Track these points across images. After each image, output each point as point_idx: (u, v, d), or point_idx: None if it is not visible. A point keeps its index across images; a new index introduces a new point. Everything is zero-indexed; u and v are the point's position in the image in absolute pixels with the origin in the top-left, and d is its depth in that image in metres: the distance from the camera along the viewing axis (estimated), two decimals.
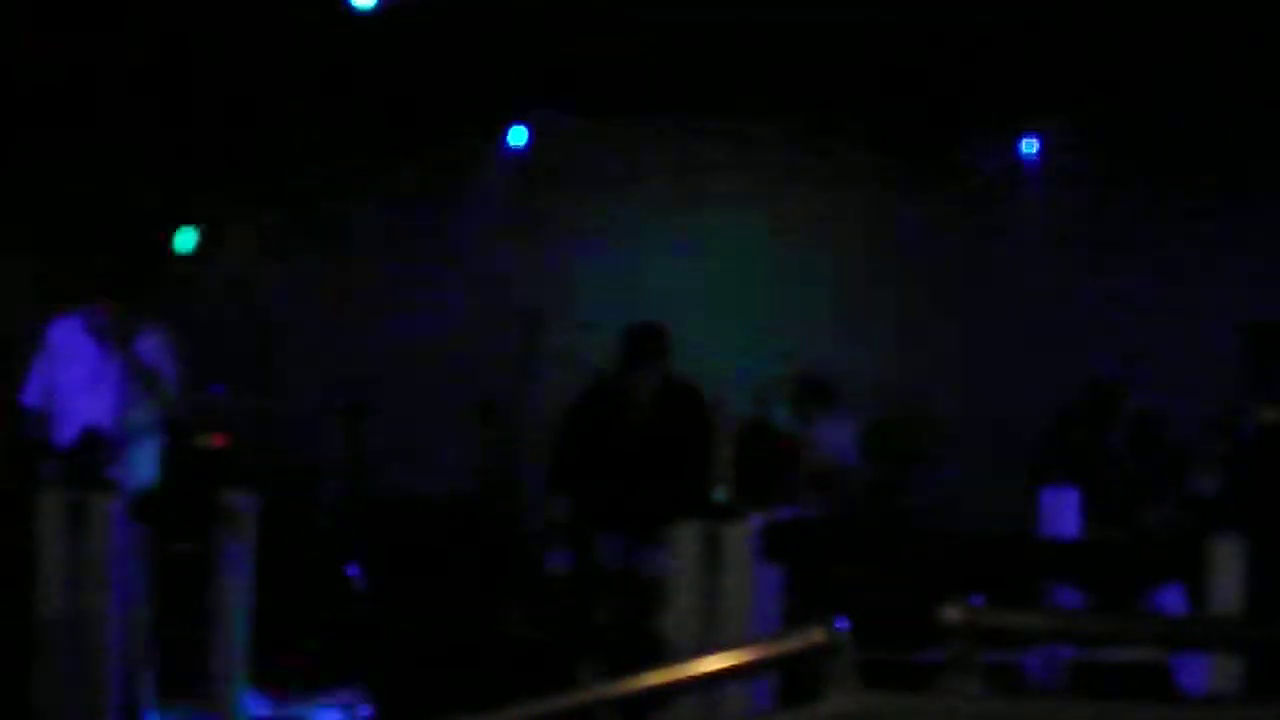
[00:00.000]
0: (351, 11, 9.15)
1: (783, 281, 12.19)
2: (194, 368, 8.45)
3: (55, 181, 11.82)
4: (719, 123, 12.18)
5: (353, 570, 11.31)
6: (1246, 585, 5.76)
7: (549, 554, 8.06)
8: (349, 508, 11.81)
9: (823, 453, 10.59)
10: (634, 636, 7.94)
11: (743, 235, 12.37)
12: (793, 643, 3.42)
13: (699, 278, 12.25)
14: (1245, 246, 11.58)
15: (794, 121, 12.05)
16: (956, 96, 11.47)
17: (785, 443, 10.47)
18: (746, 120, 12.11)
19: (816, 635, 3.35)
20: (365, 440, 11.88)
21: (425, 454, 11.95)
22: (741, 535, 6.19)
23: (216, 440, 11.31)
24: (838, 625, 3.39)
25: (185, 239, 12.07)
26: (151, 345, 8.05)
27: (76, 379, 7.96)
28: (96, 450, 7.74)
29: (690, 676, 3.62)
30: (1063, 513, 8.51)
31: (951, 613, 3.36)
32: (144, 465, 8.04)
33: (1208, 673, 6.08)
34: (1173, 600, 7.60)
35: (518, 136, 12.35)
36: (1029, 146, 11.82)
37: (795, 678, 3.61)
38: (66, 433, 7.90)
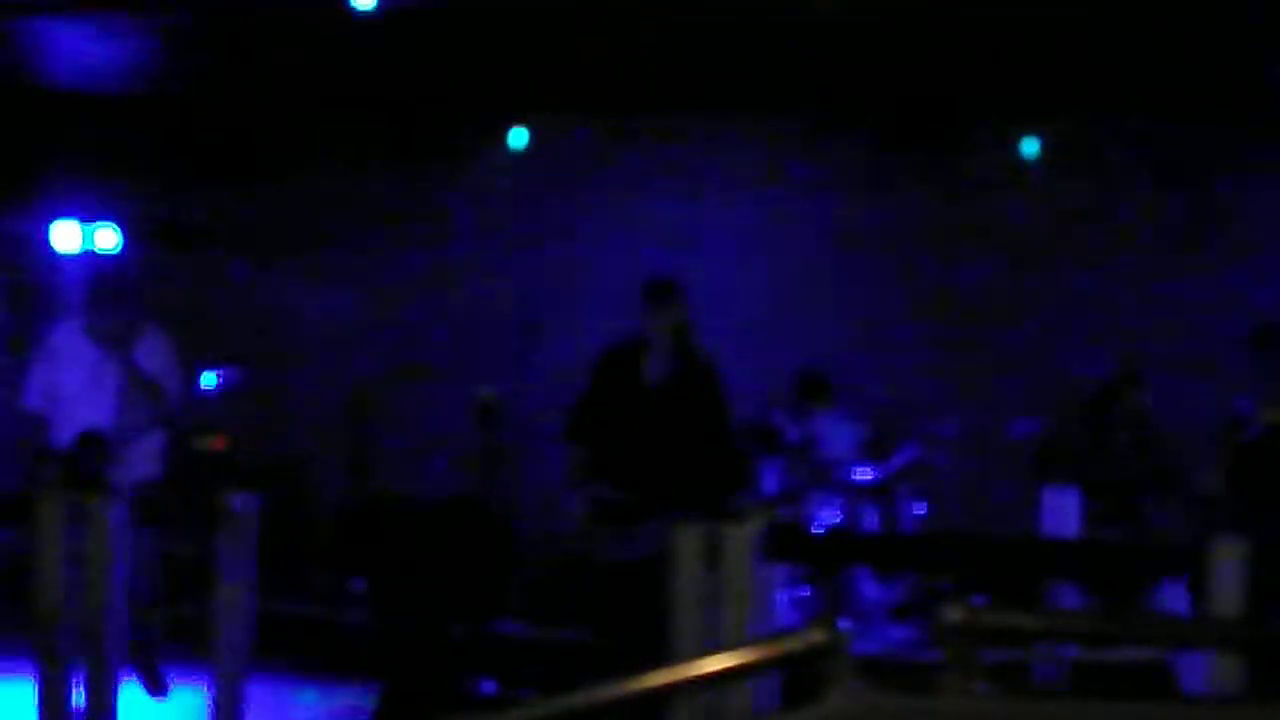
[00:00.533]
0: (351, 13, 9.14)
1: (783, 282, 12.19)
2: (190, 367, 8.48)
3: None
4: (720, 123, 12.18)
5: (352, 571, 11.32)
6: (1248, 585, 5.75)
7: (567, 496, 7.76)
8: (349, 509, 11.82)
9: (825, 451, 10.61)
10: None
11: (743, 236, 12.37)
12: (793, 643, 3.42)
13: (699, 278, 12.24)
14: (1247, 247, 11.59)
15: (795, 121, 12.05)
16: (957, 96, 11.47)
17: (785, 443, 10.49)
18: (747, 120, 12.12)
19: (817, 635, 3.35)
20: (365, 441, 11.90)
21: (424, 455, 11.96)
22: (743, 535, 6.18)
23: (216, 442, 11.33)
24: (839, 625, 3.38)
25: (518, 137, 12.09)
26: (153, 348, 8.07)
27: (76, 382, 7.97)
28: (95, 452, 7.76)
29: (692, 677, 3.62)
30: (1064, 512, 8.51)
31: (952, 613, 3.35)
32: (144, 465, 8.05)
33: (1209, 672, 6.07)
34: (1174, 600, 7.60)
35: (518, 138, 12.35)
36: (1030, 146, 11.82)
37: (800, 677, 3.61)
38: (65, 435, 7.91)
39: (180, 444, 8.47)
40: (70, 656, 6.96)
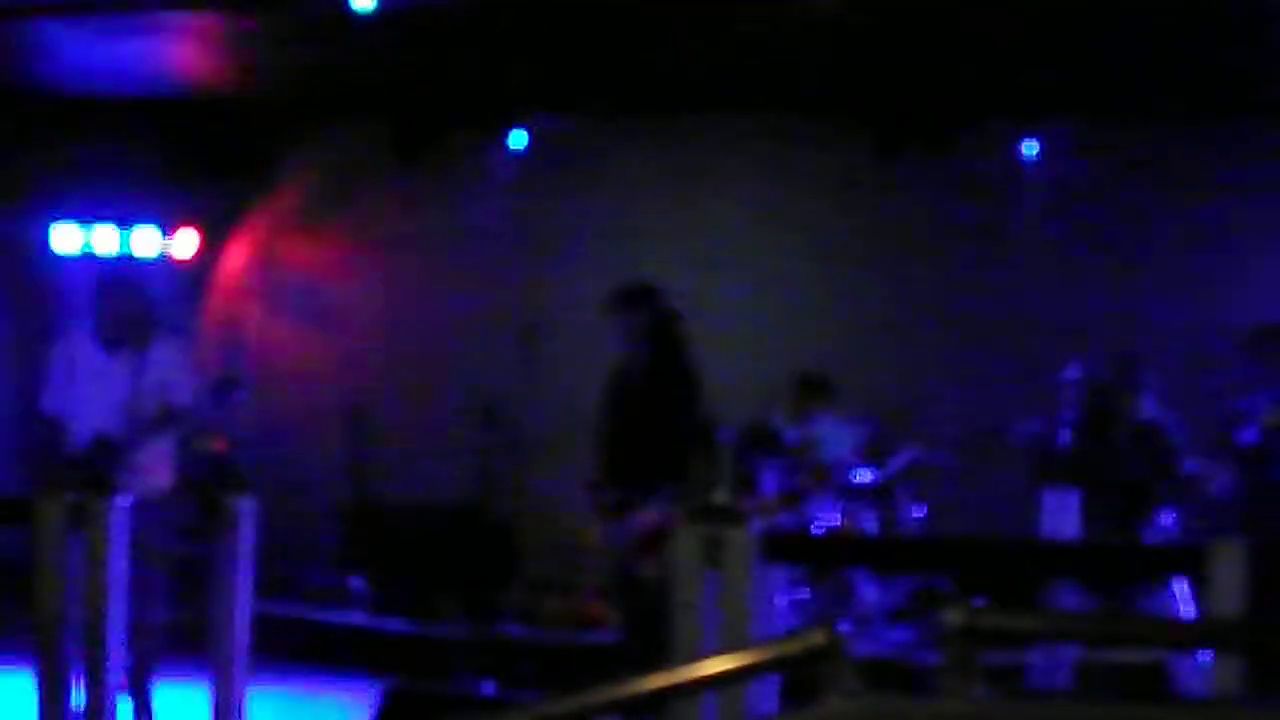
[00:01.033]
0: (351, 15, 9.14)
1: (783, 284, 12.19)
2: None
3: None
4: (719, 125, 12.18)
5: (352, 573, 11.33)
6: (1248, 587, 5.75)
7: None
8: (350, 512, 11.83)
9: (824, 453, 10.61)
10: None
11: (743, 238, 12.37)
12: (793, 646, 3.42)
13: (699, 281, 12.25)
14: (1249, 249, 11.58)
15: (794, 124, 12.05)
16: (957, 98, 11.47)
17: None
18: (747, 123, 12.12)
19: (816, 638, 3.35)
20: (366, 445, 11.90)
21: (426, 459, 11.96)
22: (743, 538, 6.19)
23: (217, 444, 11.34)
24: (838, 627, 3.39)
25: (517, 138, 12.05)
26: (163, 355, 8.10)
27: (88, 387, 8.00)
28: (106, 457, 7.79)
29: (692, 679, 3.62)
30: (1063, 514, 8.51)
31: (952, 615, 3.36)
32: (156, 474, 8.07)
33: (1208, 674, 6.07)
34: (1174, 602, 7.61)
35: (517, 139, 12.36)
36: (1030, 148, 11.82)
37: (799, 680, 3.61)
38: (78, 440, 7.95)
39: (181, 447, 8.48)
40: (71, 659, 6.96)
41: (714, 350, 11.91)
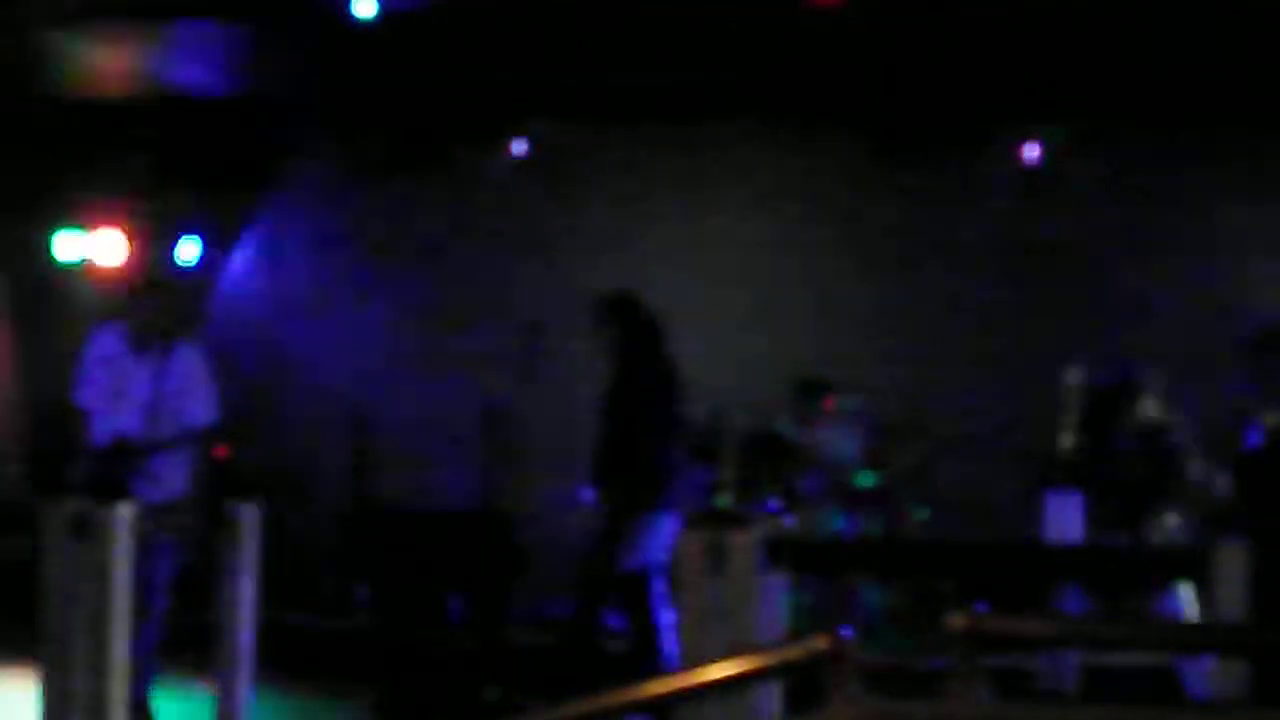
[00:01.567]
0: (353, 23, 9.16)
1: (785, 289, 12.18)
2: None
3: None
4: (721, 132, 12.18)
5: (357, 579, 11.31)
6: (1252, 590, 5.75)
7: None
8: (352, 517, 11.82)
9: (827, 457, 10.61)
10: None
11: (745, 244, 12.37)
12: (797, 650, 3.43)
13: (701, 287, 12.25)
14: (1250, 250, 11.58)
15: (797, 130, 12.05)
16: (959, 102, 11.47)
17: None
18: (749, 129, 12.12)
19: (820, 643, 3.35)
20: (368, 449, 11.89)
21: (428, 463, 11.96)
22: (746, 543, 6.19)
23: (218, 450, 11.32)
24: (841, 632, 3.39)
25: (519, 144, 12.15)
26: (185, 361, 8.16)
27: (110, 389, 8.06)
28: (125, 458, 7.85)
29: (696, 684, 3.62)
30: (1067, 517, 8.51)
31: (956, 619, 3.36)
32: (174, 479, 8.10)
33: (1213, 677, 6.07)
34: (1178, 605, 7.60)
35: (518, 148, 12.36)
36: (1030, 152, 11.82)
37: (802, 684, 3.61)
38: (96, 438, 8.01)
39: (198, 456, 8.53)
40: (75, 666, 6.96)
41: (716, 354, 11.94)
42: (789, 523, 9.89)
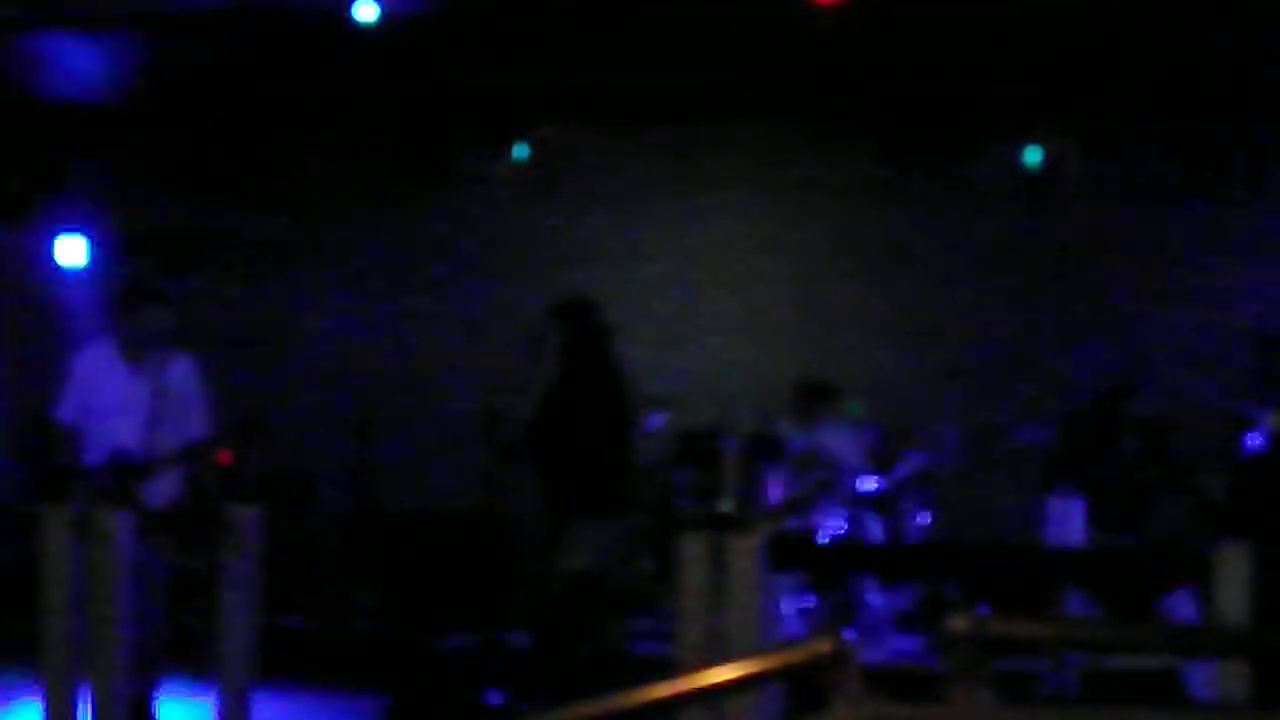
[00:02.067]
0: (354, 27, 9.16)
1: (787, 291, 12.19)
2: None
3: None
4: (723, 136, 12.19)
5: (358, 583, 11.31)
6: (1255, 592, 5.74)
7: None
8: (354, 520, 11.82)
9: (829, 460, 10.60)
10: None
11: (747, 247, 12.37)
12: (799, 653, 3.42)
13: (704, 289, 12.26)
14: (1252, 254, 11.58)
15: (798, 131, 12.06)
16: (960, 107, 11.47)
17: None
18: (751, 130, 12.13)
19: (822, 646, 3.34)
20: (370, 452, 11.89)
21: (430, 466, 11.96)
22: (748, 546, 6.18)
23: (220, 456, 11.32)
24: (844, 635, 3.38)
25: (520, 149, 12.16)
26: (181, 373, 8.14)
27: (107, 402, 8.04)
28: (125, 471, 7.84)
29: (698, 687, 3.62)
30: (1069, 520, 8.50)
31: (958, 622, 3.35)
32: (169, 487, 8.11)
33: (1215, 680, 6.06)
34: (1181, 607, 7.60)
35: (520, 150, 12.37)
36: (1033, 156, 11.82)
37: (805, 688, 3.61)
38: (95, 454, 7.99)
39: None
40: (77, 672, 6.96)
41: (718, 357, 11.96)
42: (791, 526, 9.88)
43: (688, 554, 6.23)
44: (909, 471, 10.63)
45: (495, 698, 8.70)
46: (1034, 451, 10.09)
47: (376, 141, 12.48)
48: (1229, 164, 11.48)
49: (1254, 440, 8.82)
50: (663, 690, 3.51)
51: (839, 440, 10.75)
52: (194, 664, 8.13)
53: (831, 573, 9.38)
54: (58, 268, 12.26)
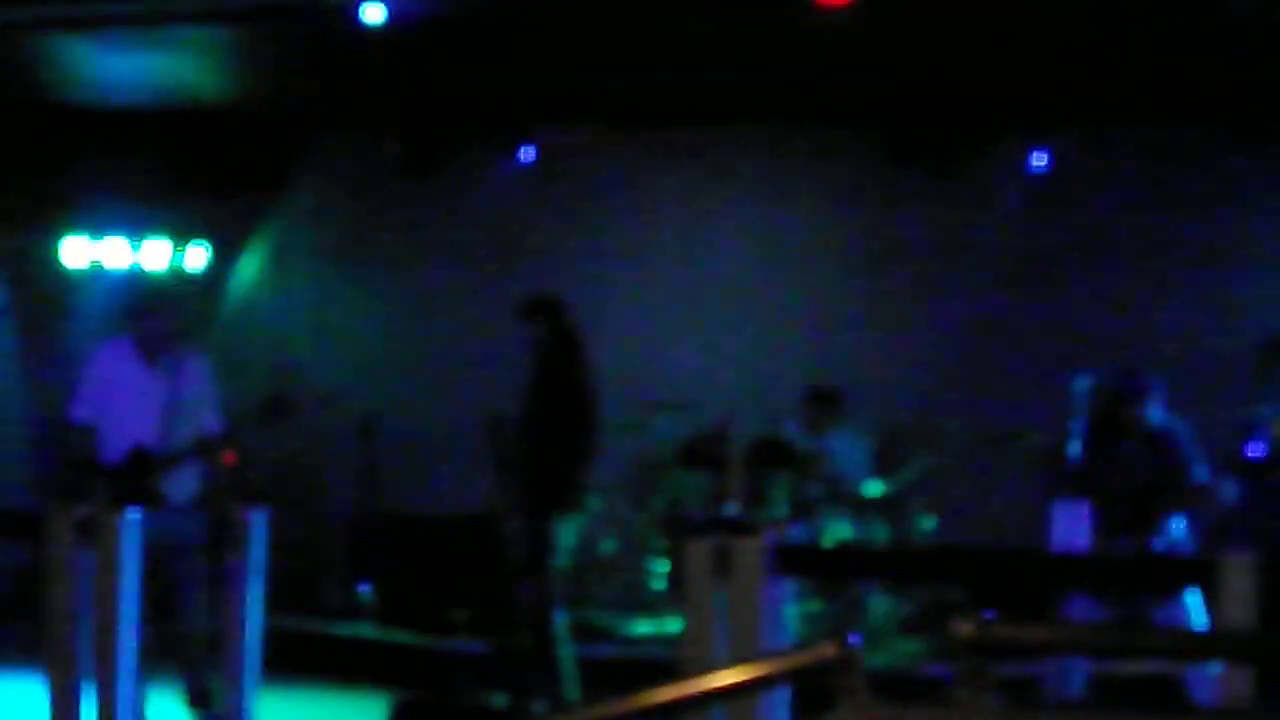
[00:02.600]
0: (360, 28, 9.17)
1: (793, 296, 12.18)
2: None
3: None
4: (729, 138, 12.19)
5: (364, 586, 11.32)
6: (1258, 598, 5.74)
7: None
8: (360, 524, 11.82)
9: (835, 465, 10.60)
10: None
11: (753, 249, 12.37)
12: (804, 657, 3.42)
13: (710, 293, 12.25)
14: (1256, 258, 11.57)
15: (804, 136, 12.05)
16: (964, 109, 11.47)
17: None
18: (756, 136, 12.12)
19: (828, 650, 3.35)
20: (376, 456, 11.90)
21: (436, 470, 11.96)
22: (753, 550, 6.19)
23: (226, 456, 11.33)
24: (849, 640, 3.38)
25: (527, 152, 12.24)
26: (195, 371, 8.23)
27: (124, 400, 8.13)
28: (144, 469, 7.94)
29: (703, 691, 3.62)
30: (1074, 525, 8.49)
31: (963, 627, 3.35)
32: (186, 483, 8.19)
33: (1220, 685, 6.07)
34: (1186, 613, 7.59)
35: (527, 154, 12.37)
36: (1038, 159, 11.82)
37: (810, 692, 3.61)
38: (113, 453, 8.08)
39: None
40: (82, 671, 6.98)
41: (723, 360, 11.95)
42: (796, 530, 9.88)
43: (693, 557, 6.24)
44: (915, 476, 10.64)
45: (500, 700, 8.71)
46: (1039, 455, 10.08)
47: (382, 145, 12.47)
48: (1233, 167, 11.47)
49: (1257, 445, 8.82)
50: (668, 693, 3.51)
51: (846, 445, 10.76)
52: (200, 661, 8.13)
53: (837, 577, 9.38)
54: (71, 268, 12.29)
